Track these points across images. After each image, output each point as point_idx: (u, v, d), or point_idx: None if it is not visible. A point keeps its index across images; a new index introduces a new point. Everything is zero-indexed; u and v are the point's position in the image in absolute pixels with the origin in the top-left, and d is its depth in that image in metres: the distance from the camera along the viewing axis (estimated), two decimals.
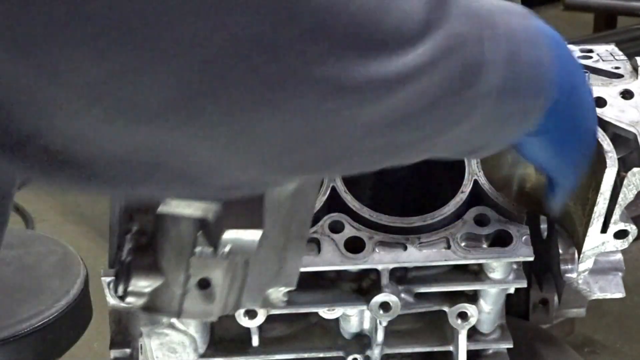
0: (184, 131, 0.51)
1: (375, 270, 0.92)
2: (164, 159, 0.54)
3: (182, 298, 0.75)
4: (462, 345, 0.96)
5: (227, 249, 0.72)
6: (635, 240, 0.97)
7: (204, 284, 0.75)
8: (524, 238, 0.91)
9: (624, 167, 0.91)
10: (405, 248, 0.91)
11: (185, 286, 0.75)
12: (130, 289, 0.75)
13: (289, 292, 0.81)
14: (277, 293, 0.80)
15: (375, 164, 0.66)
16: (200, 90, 0.49)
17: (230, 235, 0.70)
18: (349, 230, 0.90)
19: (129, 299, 0.75)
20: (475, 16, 0.61)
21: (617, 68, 1.00)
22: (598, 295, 1.04)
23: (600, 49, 1.04)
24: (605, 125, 0.93)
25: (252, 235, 0.71)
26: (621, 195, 0.92)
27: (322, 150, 0.59)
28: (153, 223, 0.74)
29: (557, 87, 0.72)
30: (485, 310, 0.96)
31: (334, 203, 0.92)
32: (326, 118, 0.55)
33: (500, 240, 0.92)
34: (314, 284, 0.85)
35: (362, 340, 0.99)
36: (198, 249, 0.74)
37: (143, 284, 0.75)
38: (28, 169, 0.52)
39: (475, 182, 0.93)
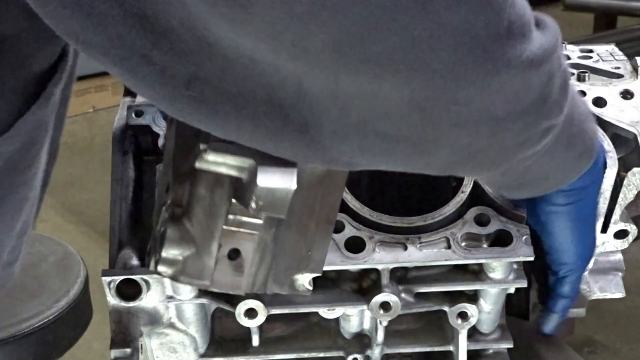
0: (335, 71, 0.59)
1: (376, 270, 0.92)
2: (303, 99, 0.61)
3: (213, 268, 0.77)
4: (462, 345, 0.96)
5: (260, 203, 0.72)
6: (635, 240, 0.97)
7: (234, 255, 0.76)
8: (524, 238, 0.91)
9: (624, 167, 0.91)
10: (405, 248, 0.91)
11: (216, 256, 0.76)
12: (162, 256, 0.76)
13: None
14: (304, 279, 0.80)
15: (451, 166, 0.71)
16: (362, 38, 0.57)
17: (264, 184, 0.71)
18: (350, 230, 0.90)
19: (161, 268, 0.76)
20: (558, 53, 0.69)
21: (617, 68, 1.00)
22: (598, 295, 1.04)
23: (600, 49, 1.04)
24: (605, 125, 0.93)
25: (286, 185, 0.72)
26: (621, 195, 0.92)
27: (430, 124, 0.65)
28: (188, 194, 0.75)
29: (594, 161, 0.83)
30: (486, 310, 0.96)
31: None
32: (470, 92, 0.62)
33: (501, 240, 0.92)
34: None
35: (362, 340, 0.99)
36: (231, 217, 0.75)
37: (175, 252, 0.76)
38: (192, 102, 0.62)
39: (476, 182, 0.93)
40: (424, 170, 0.73)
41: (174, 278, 0.78)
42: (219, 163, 0.72)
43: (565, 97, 0.71)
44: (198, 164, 0.72)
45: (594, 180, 0.86)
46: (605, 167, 0.89)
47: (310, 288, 0.81)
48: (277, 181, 0.71)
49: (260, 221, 0.77)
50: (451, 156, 0.69)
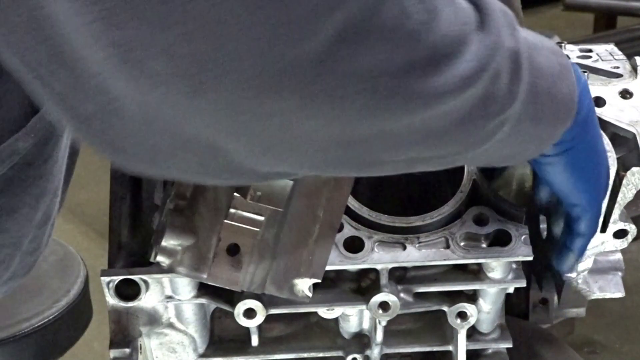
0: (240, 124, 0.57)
1: (375, 270, 0.92)
2: (213, 148, 0.60)
3: (211, 261, 0.77)
4: (462, 345, 0.96)
5: (258, 193, 0.72)
6: (634, 240, 0.97)
7: (233, 250, 0.77)
8: (523, 237, 0.91)
9: (623, 166, 0.91)
10: (404, 248, 0.91)
11: (215, 249, 0.76)
12: (162, 245, 0.76)
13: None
14: (304, 284, 0.80)
15: (403, 170, 0.70)
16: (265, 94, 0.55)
17: None
18: (348, 230, 0.90)
19: (160, 257, 0.76)
20: (503, 49, 0.65)
21: (616, 68, 1.00)
22: (598, 295, 1.04)
23: (600, 49, 1.04)
24: (604, 125, 0.93)
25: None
26: (620, 195, 0.92)
27: (361, 155, 0.63)
28: (193, 187, 0.75)
29: (575, 115, 0.78)
30: (485, 310, 0.96)
31: None
32: (385, 124, 0.60)
33: (500, 240, 0.92)
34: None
35: (361, 340, 0.99)
36: (233, 211, 0.75)
37: (175, 242, 0.76)
38: (94, 144, 0.60)
39: (474, 182, 0.93)
40: (376, 175, 0.72)
41: (171, 269, 0.78)
42: None
43: (519, 83, 0.68)
44: None
45: (582, 130, 0.81)
46: (592, 110, 0.84)
47: (310, 294, 0.81)
48: None
49: (261, 218, 0.77)
50: (397, 167, 0.68)
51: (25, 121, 0.75)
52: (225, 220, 0.76)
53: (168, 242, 0.77)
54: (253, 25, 0.51)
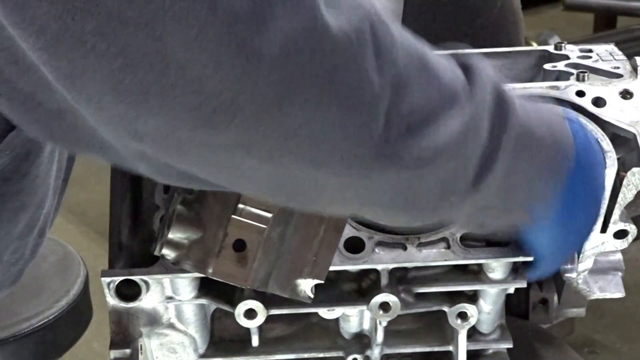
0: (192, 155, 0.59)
1: (375, 271, 0.92)
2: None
3: (216, 255, 0.77)
4: (462, 345, 0.96)
5: None
6: (634, 240, 0.97)
7: (240, 246, 0.76)
8: None
9: (624, 167, 0.91)
10: (404, 248, 0.91)
11: (221, 243, 0.76)
12: (169, 237, 0.75)
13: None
14: (306, 285, 0.80)
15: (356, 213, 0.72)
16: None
17: None
18: (349, 231, 0.90)
19: (165, 250, 0.76)
20: (478, 139, 0.64)
21: (616, 68, 1.00)
22: (598, 295, 1.04)
23: (600, 49, 1.04)
24: (604, 125, 0.93)
25: None
26: (621, 195, 0.92)
27: (306, 197, 0.65)
28: None
29: (565, 185, 0.76)
30: (485, 310, 0.96)
31: None
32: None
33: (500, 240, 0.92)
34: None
35: (362, 340, 0.99)
36: (241, 207, 0.75)
37: (181, 235, 0.76)
38: (65, 128, 0.62)
39: None
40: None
41: (176, 262, 0.77)
42: None
43: (485, 178, 0.66)
44: None
45: (564, 208, 0.79)
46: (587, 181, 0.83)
47: (312, 295, 0.81)
48: None
49: (269, 215, 0.77)
50: (347, 211, 0.69)
51: (1, 138, 0.74)
52: (233, 216, 0.76)
53: (174, 234, 0.77)
54: (195, 59, 0.53)
